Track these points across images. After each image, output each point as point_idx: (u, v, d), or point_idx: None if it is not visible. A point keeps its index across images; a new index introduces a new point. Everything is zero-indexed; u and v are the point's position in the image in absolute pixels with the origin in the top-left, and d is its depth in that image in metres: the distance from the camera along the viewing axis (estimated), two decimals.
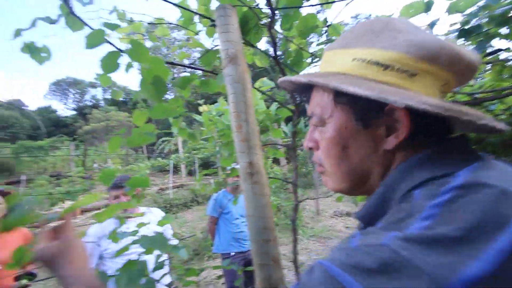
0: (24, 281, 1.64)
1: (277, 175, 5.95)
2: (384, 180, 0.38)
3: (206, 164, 11.28)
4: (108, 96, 38.23)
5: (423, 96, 0.33)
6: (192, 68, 1.05)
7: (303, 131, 1.26)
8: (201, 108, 1.33)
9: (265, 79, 1.43)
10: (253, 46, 0.99)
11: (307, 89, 0.45)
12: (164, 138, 17.13)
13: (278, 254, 0.69)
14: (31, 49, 0.80)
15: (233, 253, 2.36)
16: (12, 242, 1.69)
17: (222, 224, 2.41)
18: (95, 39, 0.76)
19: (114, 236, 0.90)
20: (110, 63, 0.78)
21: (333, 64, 0.41)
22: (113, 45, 0.78)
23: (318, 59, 1.20)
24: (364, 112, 0.37)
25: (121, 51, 0.76)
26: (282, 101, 1.22)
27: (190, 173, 13.46)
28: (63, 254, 0.51)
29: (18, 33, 0.77)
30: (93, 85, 38.76)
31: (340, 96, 0.38)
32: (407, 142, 0.36)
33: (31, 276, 1.69)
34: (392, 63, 0.35)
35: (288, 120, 1.42)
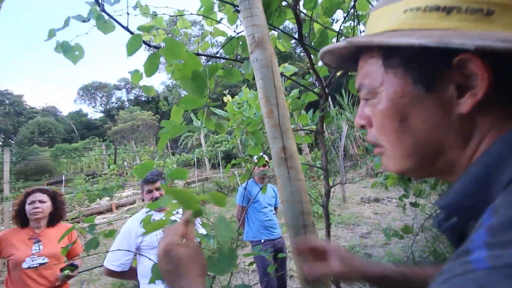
0: (67, 271, 1.77)
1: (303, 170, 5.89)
2: (476, 156, 0.30)
3: (229, 157, 11.45)
4: (132, 97, 39.83)
5: (503, 33, 0.25)
6: (217, 57, 1.04)
7: (331, 114, 1.22)
8: (225, 99, 1.34)
9: (287, 64, 1.39)
10: (276, 28, 0.96)
11: (352, 60, 0.39)
12: (186, 134, 17.60)
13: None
14: (65, 48, 0.84)
15: (263, 240, 2.40)
16: (57, 237, 1.83)
17: (251, 212, 2.44)
18: (134, 45, 0.78)
19: (149, 224, 0.94)
20: (152, 65, 0.79)
21: (379, 24, 0.34)
22: (152, 46, 0.80)
23: (345, 38, 1.15)
24: (425, 70, 0.30)
25: (156, 47, 0.77)
26: (307, 85, 1.19)
27: (214, 166, 13.77)
28: (191, 259, 0.46)
29: (52, 33, 0.81)
30: (117, 88, 40.55)
31: (390, 58, 0.32)
32: (489, 101, 0.28)
33: (73, 267, 1.80)
34: (458, 4, 0.27)
35: (309, 107, 1.38)
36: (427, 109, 0.31)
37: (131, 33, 0.81)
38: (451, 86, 0.30)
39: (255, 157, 2.28)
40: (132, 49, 0.81)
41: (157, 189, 1.68)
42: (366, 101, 0.38)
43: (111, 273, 1.52)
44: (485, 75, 0.27)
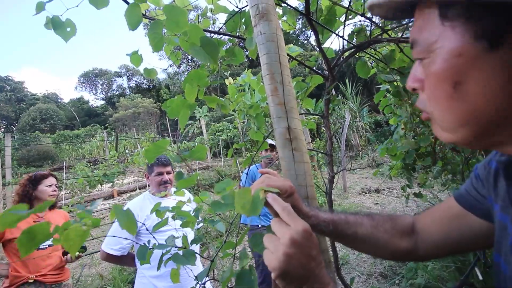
0: (77, 253, 1.81)
1: None
2: None
3: (230, 146, 11.40)
4: (133, 84, 39.52)
5: None
6: (220, 33, 0.98)
7: (337, 98, 1.16)
8: (226, 81, 1.28)
9: (292, 45, 1.33)
10: (282, 1, 0.89)
11: (406, 11, 0.34)
12: (188, 122, 17.51)
13: None
14: (55, 24, 0.78)
15: (260, 226, 2.38)
16: (56, 220, 1.86)
17: None
18: (133, 16, 0.71)
19: (158, 211, 0.91)
20: (156, 34, 0.73)
21: None
22: (151, 18, 0.73)
23: (353, 15, 1.08)
24: (489, 23, 0.25)
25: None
26: (313, 66, 1.13)
27: (215, 155, 13.77)
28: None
29: (40, 6, 0.75)
30: (118, 75, 40.17)
31: (448, 8, 0.27)
32: None
33: (81, 248, 1.85)
34: None
35: (311, 96, 1.32)
36: (489, 71, 0.26)
37: (127, 3, 0.75)
38: None
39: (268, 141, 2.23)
40: (132, 20, 0.75)
41: (168, 172, 1.65)
42: (420, 60, 0.33)
43: (109, 257, 1.51)
44: None
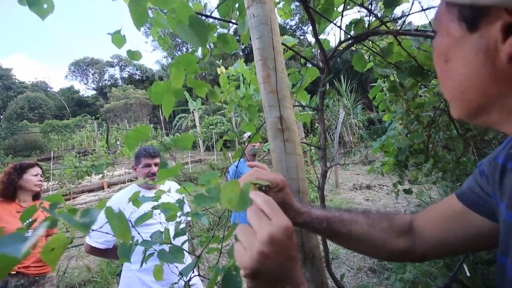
0: None
1: None
2: None
3: (225, 140, 11.34)
4: (125, 75, 38.72)
5: None
6: (211, 17, 0.93)
7: (332, 91, 1.13)
8: (218, 70, 1.23)
9: (287, 36, 1.28)
10: None
11: None
12: (181, 115, 17.32)
13: None
14: (30, 0, 0.72)
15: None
16: (38, 212, 1.81)
17: None
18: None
19: (136, 201, 0.86)
20: (138, 7, 0.67)
21: None
22: None
23: (352, 5, 1.04)
24: (471, 9, 0.27)
25: None
26: (309, 57, 1.09)
27: (208, 148, 13.67)
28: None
29: None
30: (110, 64, 39.26)
31: None
32: None
33: None
34: None
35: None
36: (468, 51, 0.29)
37: None
38: (496, 28, 0.26)
39: (246, 134, 2.18)
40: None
41: (156, 164, 1.60)
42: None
43: (93, 250, 1.45)
44: None
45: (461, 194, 0.46)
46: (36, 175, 1.84)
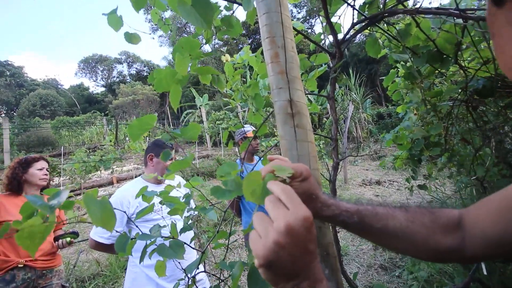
0: (68, 239, 1.76)
1: None
2: None
3: (230, 135, 11.32)
4: (133, 72, 39.09)
5: None
6: None
7: (344, 78, 1.06)
8: (223, 58, 1.17)
9: (294, 21, 1.21)
10: None
11: None
12: (188, 111, 17.38)
13: None
14: None
15: None
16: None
17: (244, 200, 2.07)
18: None
19: (143, 195, 0.82)
20: None
21: None
22: None
23: None
24: None
25: None
26: (319, 42, 1.02)
27: (215, 144, 13.69)
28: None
29: None
30: (118, 61, 39.66)
31: None
32: None
33: (74, 234, 1.81)
34: None
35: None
36: (501, 25, 0.31)
37: None
38: None
39: (245, 128, 2.05)
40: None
41: (172, 159, 1.57)
42: None
43: (98, 245, 1.43)
44: None
45: None
46: (41, 169, 1.83)
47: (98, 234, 1.42)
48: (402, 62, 1.24)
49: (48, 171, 1.89)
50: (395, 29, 1.04)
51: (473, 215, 0.44)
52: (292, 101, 0.54)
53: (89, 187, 7.22)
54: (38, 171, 1.81)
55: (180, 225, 0.96)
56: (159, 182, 1.60)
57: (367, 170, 7.55)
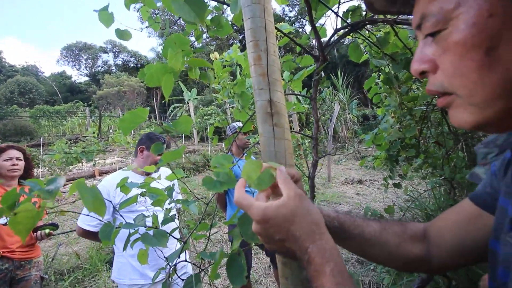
0: (47, 231, 1.73)
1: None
2: None
3: (218, 131, 11.28)
4: (119, 62, 37.90)
5: None
6: None
7: (327, 80, 1.11)
8: (212, 56, 1.20)
9: (283, 23, 1.25)
10: None
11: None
12: (175, 105, 17.12)
13: None
14: None
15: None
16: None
17: (231, 194, 2.11)
18: None
19: (124, 186, 0.84)
20: None
21: None
22: None
23: None
24: None
25: None
26: (304, 45, 1.06)
27: (202, 139, 13.59)
28: (298, 215, 0.39)
29: None
30: (104, 50, 38.30)
31: None
32: None
33: (53, 226, 1.77)
34: None
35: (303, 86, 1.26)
36: None
37: None
38: None
39: (232, 125, 2.09)
40: None
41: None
42: (432, 36, 0.29)
43: (85, 233, 1.43)
44: None
45: (474, 195, 0.45)
46: (8, 159, 1.72)
47: (86, 222, 1.42)
48: (382, 68, 1.31)
49: (19, 160, 1.77)
50: (375, 36, 1.11)
51: (436, 227, 0.49)
52: (272, 101, 0.58)
53: (70, 179, 7.00)
54: (5, 162, 1.71)
55: (162, 216, 0.99)
56: (147, 174, 1.61)
57: (350, 169, 7.77)
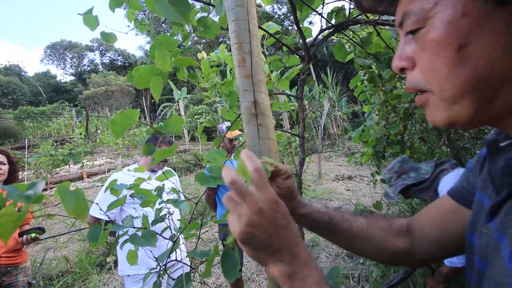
0: (34, 235, 1.70)
1: (281, 139, 5.86)
2: None
3: (208, 130, 11.23)
4: (106, 60, 37.05)
5: None
6: None
7: (312, 80, 1.13)
8: (199, 55, 1.20)
9: (270, 22, 1.27)
10: None
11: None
12: (165, 104, 16.91)
13: None
14: None
15: None
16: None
17: (221, 194, 2.12)
18: None
19: (113, 189, 0.84)
20: None
21: None
22: None
23: None
24: None
25: None
26: (291, 45, 1.08)
27: (193, 138, 13.49)
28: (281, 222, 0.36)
29: None
30: (90, 49, 37.34)
31: None
32: None
33: (39, 230, 1.74)
34: None
35: (292, 85, 1.28)
36: (495, 29, 0.25)
37: None
38: None
39: (222, 124, 2.11)
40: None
41: None
42: (412, 34, 0.31)
43: (96, 221, 1.48)
44: None
45: (452, 190, 0.47)
46: None
47: (97, 211, 1.47)
48: (366, 67, 1.35)
49: (11, 162, 1.75)
50: (359, 37, 1.14)
51: (418, 222, 0.51)
52: (256, 102, 0.60)
53: (57, 182, 6.83)
54: None
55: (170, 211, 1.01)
56: (153, 170, 1.70)
57: (340, 165, 7.89)
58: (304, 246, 0.37)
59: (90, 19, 0.86)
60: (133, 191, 0.81)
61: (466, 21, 0.26)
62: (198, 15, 1.00)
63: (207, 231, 3.45)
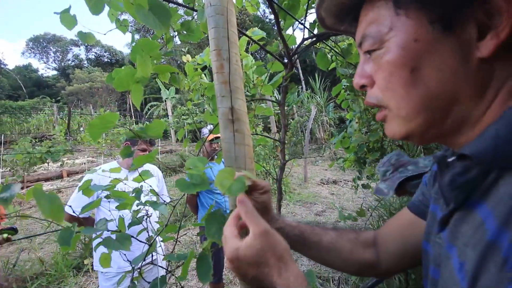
0: (5, 235, 1.64)
1: (267, 143, 5.90)
2: (493, 109, 0.27)
3: (195, 131, 11.11)
4: (92, 56, 36.05)
5: None
6: (173, 3, 0.90)
7: (295, 86, 1.16)
8: (184, 58, 1.20)
9: (256, 29, 1.29)
10: None
11: (352, 14, 0.36)
12: (153, 103, 16.63)
13: None
14: None
15: None
16: None
17: (202, 197, 2.12)
18: None
19: (87, 190, 0.83)
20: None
21: None
22: None
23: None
24: (443, 8, 0.27)
25: None
26: (275, 52, 1.11)
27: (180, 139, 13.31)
28: (265, 252, 0.38)
29: None
30: (75, 43, 36.22)
31: None
32: (508, 47, 0.25)
33: (11, 231, 1.68)
34: None
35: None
36: (444, 54, 0.27)
37: None
38: (471, 26, 0.26)
39: (205, 128, 2.13)
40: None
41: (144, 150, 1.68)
42: (369, 54, 0.33)
43: (72, 218, 1.47)
44: (511, 12, 0.24)
45: (410, 204, 0.50)
46: None
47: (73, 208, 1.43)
48: (347, 76, 1.40)
49: None
50: (340, 48, 1.18)
51: (382, 234, 0.54)
52: (233, 108, 0.61)
53: (34, 180, 6.55)
54: None
55: (150, 211, 0.99)
56: (131, 170, 1.68)
57: (326, 170, 8.02)
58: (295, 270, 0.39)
59: (67, 18, 0.84)
60: (108, 193, 0.80)
61: (417, 46, 0.28)
62: (182, 19, 1.00)
63: (185, 233, 3.41)
